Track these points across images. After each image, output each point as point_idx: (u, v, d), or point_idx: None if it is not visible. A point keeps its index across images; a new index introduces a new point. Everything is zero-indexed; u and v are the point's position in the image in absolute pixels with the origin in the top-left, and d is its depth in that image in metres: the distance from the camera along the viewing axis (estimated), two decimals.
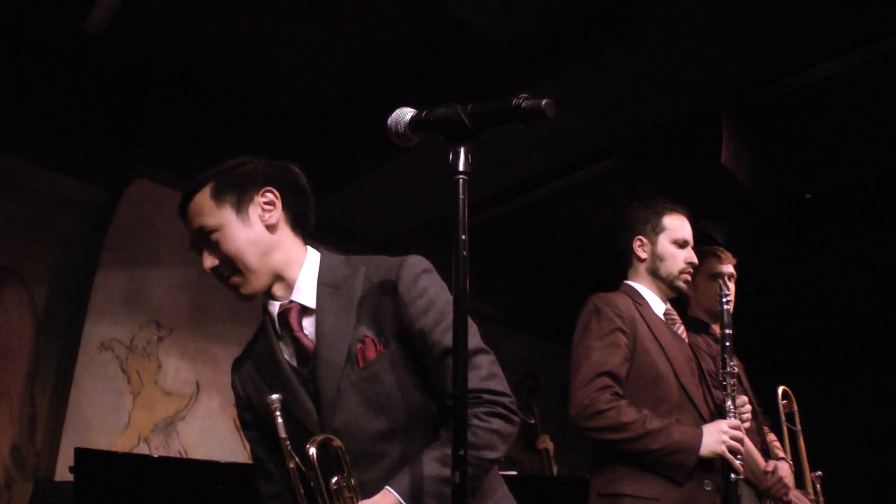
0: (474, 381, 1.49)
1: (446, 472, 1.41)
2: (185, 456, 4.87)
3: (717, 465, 2.42)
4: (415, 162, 4.46)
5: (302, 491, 1.47)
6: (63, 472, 4.05)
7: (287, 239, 1.68)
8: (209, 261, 1.63)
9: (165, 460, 4.02)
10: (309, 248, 1.73)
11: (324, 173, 5.08)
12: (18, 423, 4.44)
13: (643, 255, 2.73)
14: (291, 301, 1.64)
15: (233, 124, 5.03)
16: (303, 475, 1.48)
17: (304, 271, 1.67)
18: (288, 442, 1.47)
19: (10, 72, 4.41)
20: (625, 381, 2.47)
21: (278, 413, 1.48)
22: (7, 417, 4.39)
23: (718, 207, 4.88)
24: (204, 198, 1.65)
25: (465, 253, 1.26)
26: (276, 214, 1.66)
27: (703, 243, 3.33)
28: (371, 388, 1.55)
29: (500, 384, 1.54)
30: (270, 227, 1.65)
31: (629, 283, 2.76)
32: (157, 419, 4.85)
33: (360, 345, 1.57)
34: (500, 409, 1.52)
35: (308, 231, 1.75)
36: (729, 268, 3.10)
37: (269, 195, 1.67)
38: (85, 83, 4.72)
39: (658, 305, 2.69)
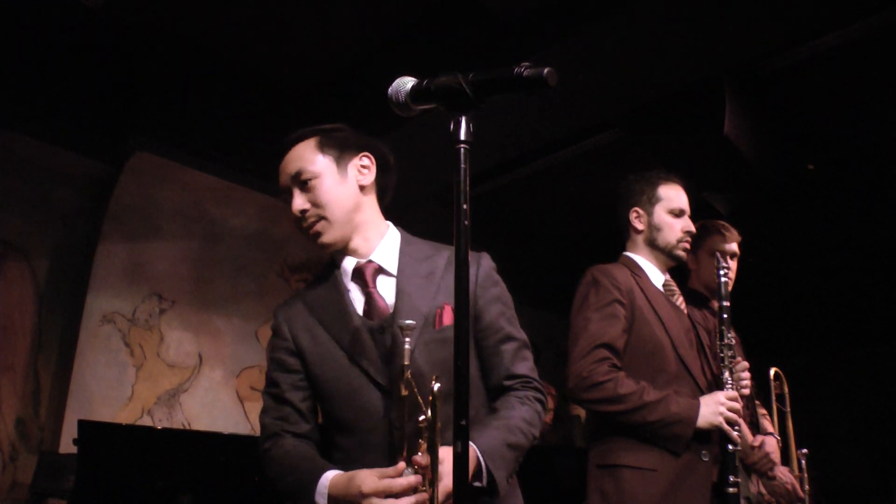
0: (524, 368, 1.75)
1: (511, 438, 1.61)
2: (188, 427, 4.91)
3: (715, 436, 2.43)
4: (416, 131, 4.43)
5: (403, 421, 1.51)
6: (67, 445, 4.09)
7: (371, 204, 1.83)
8: (300, 202, 1.74)
9: (169, 432, 4.04)
10: (389, 222, 1.87)
11: None
12: (22, 397, 4.47)
13: (640, 226, 2.73)
14: (370, 260, 1.76)
15: (232, 97, 5.00)
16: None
17: (386, 238, 1.81)
18: (409, 370, 1.50)
19: (9, 47, 4.38)
20: (623, 352, 2.48)
21: (407, 342, 1.51)
22: (11, 391, 4.42)
23: (721, 178, 4.86)
24: (308, 146, 1.77)
25: (466, 222, 1.26)
26: (369, 178, 1.80)
27: (705, 214, 3.32)
28: (440, 351, 1.64)
29: (537, 375, 1.78)
30: (362, 188, 1.79)
31: (628, 254, 2.76)
32: (160, 391, 4.89)
33: (438, 310, 1.69)
34: (541, 396, 1.76)
35: (384, 205, 1.88)
36: (733, 246, 3.09)
37: (366, 160, 1.81)
38: (84, 57, 4.69)
39: (657, 276, 2.69)
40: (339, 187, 1.75)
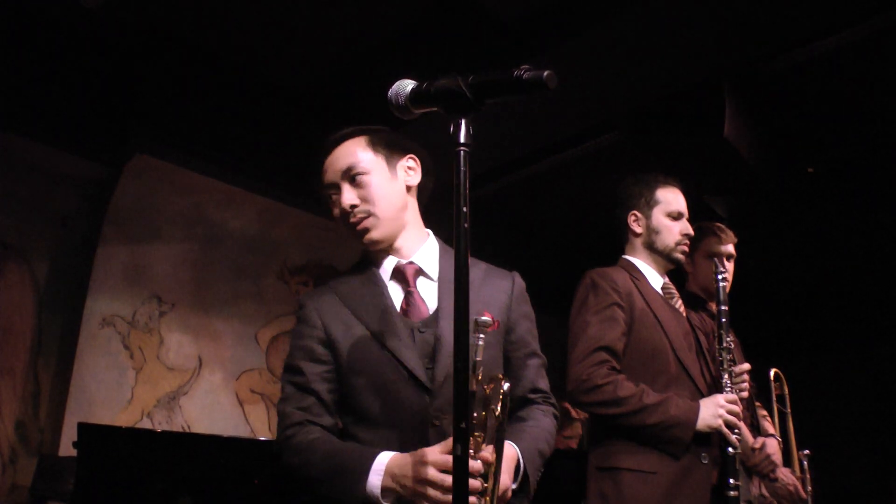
0: (545, 385, 1.86)
1: (542, 446, 1.71)
2: (188, 430, 4.90)
3: (715, 438, 2.43)
4: (415, 134, 4.43)
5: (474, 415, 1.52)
6: (67, 448, 4.08)
7: (414, 206, 1.89)
8: (349, 197, 1.76)
9: (169, 435, 4.04)
10: (429, 230, 1.92)
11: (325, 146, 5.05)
12: (22, 400, 4.46)
13: (638, 229, 2.74)
14: (412, 262, 1.80)
15: (233, 99, 5.00)
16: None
17: (427, 243, 1.86)
18: (480, 372, 1.51)
19: (9, 48, 4.37)
20: (622, 355, 2.48)
21: (480, 338, 1.52)
22: (11, 394, 4.41)
23: (721, 181, 4.86)
24: (359, 143, 1.81)
25: (466, 225, 1.26)
26: (416, 180, 1.86)
27: (704, 217, 3.32)
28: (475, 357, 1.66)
29: None
30: (408, 189, 1.85)
31: (626, 257, 2.77)
32: (159, 394, 4.88)
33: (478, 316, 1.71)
34: (556, 412, 1.88)
35: (422, 209, 1.94)
36: (729, 248, 3.09)
37: (412, 161, 1.87)
38: (84, 58, 4.69)
39: (655, 279, 2.70)
40: (389, 185, 1.79)
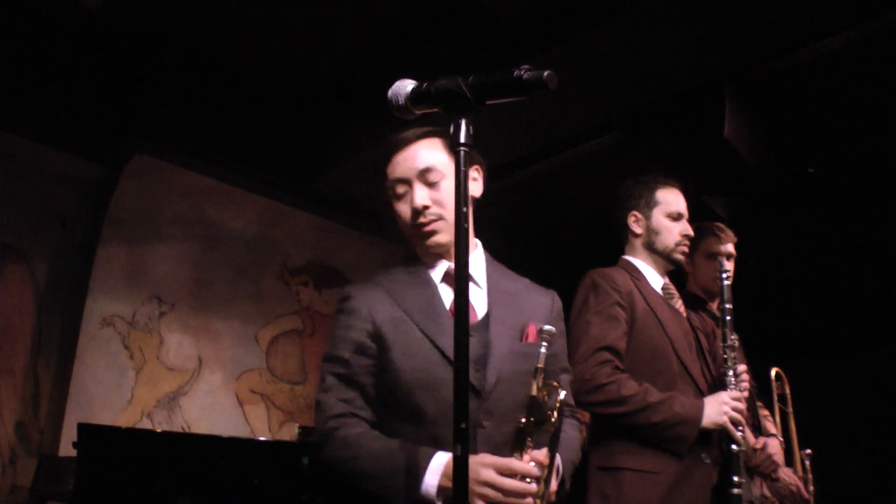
0: (572, 399, 1.94)
1: (574, 456, 1.78)
2: (187, 431, 4.90)
3: (715, 439, 2.43)
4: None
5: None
6: (67, 448, 4.08)
7: (470, 215, 1.86)
8: (422, 198, 1.77)
9: (168, 435, 4.04)
10: (477, 240, 1.94)
11: (324, 147, 5.05)
12: (22, 400, 4.46)
13: (638, 230, 2.74)
14: None
15: (232, 99, 5.00)
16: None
17: (476, 252, 1.89)
18: (542, 374, 1.59)
19: (8, 48, 4.38)
20: (624, 355, 2.48)
21: (544, 345, 1.60)
22: (11, 394, 4.41)
23: (721, 181, 4.85)
24: (437, 145, 1.83)
25: (466, 225, 1.27)
26: (479, 190, 1.89)
27: (704, 217, 3.32)
28: (522, 363, 1.70)
29: None
30: (472, 198, 1.87)
31: (626, 258, 2.77)
32: (159, 394, 4.88)
33: (524, 327, 1.78)
34: (580, 425, 1.96)
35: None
36: (728, 247, 3.09)
37: (477, 173, 1.89)
38: (83, 59, 4.69)
39: (656, 280, 2.70)
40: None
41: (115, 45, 4.72)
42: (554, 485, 1.57)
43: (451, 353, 1.64)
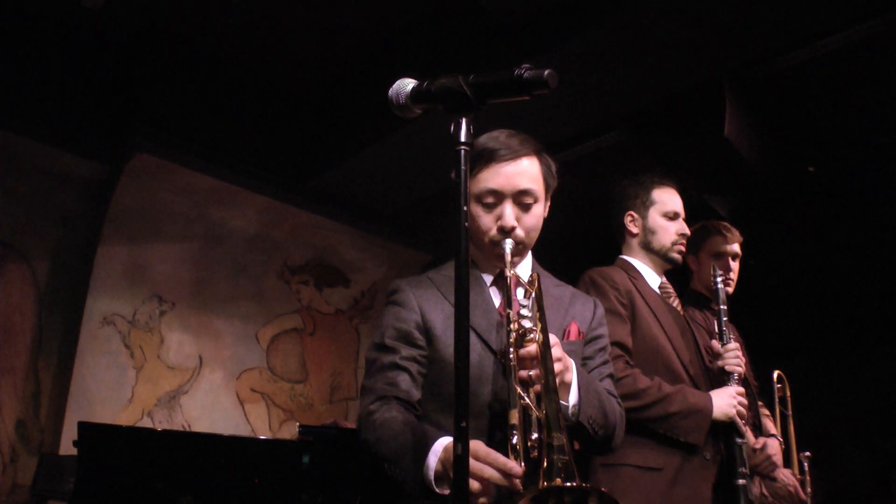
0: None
1: (603, 392, 1.78)
2: (188, 429, 4.90)
3: (717, 435, 2.44)
4: (417, 133, 4.43)
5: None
6: (67, 447, 4.08)
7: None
8: (512, 217, 1.76)
9: (169, 434, 4.04)
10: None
11: (325, 146, 5.05)
12: (23, 399, 4.47)
13: (635, 229, 2.75)
14: (515, 272, 1.77)
15: (233, 98, 5.01)
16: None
17: (527, 258, 1.91)
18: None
19: (10, 48, 4.38)
20: (632, 351, 2.49)
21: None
22: (11, 393, 4.41)
23: (721, 180, 4.86)
24: (537, 167, 1.83)
25: (466, 224, 1.27)
26: (546, 213, 1.89)
27: (705, 217, 3.32)
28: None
29: None
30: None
31: (624, 257, 2.78)
32: (160, 393, 4.88)
33: (567, 327, 1.83)
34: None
35: None
36: (734, 247, 3.09)
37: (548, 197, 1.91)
38: (84, 58, 4.70)
39: (653, 279, 2.71)
40: (542, 218, 1.85)
41: (116, 44, 4.73)
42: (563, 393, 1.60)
43: (497, 348, 1.71)
